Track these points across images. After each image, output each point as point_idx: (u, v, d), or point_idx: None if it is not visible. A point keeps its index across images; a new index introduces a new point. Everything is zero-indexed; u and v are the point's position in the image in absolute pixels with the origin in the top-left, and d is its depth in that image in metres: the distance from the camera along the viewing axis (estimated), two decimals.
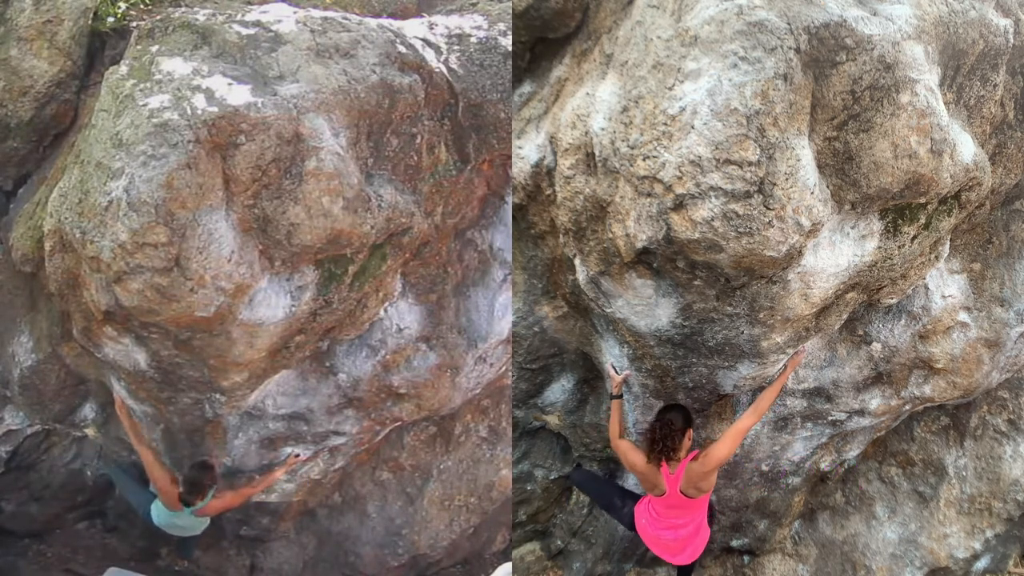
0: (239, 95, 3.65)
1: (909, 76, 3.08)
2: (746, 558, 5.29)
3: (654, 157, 3.03)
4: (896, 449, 5.39)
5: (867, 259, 3.50)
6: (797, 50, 2.91)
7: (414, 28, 4.60)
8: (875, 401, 4.51)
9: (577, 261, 3.75)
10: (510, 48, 4.27)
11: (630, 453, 3.96)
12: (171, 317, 3.72)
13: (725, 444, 3.77)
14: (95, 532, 5.65)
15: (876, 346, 4.31)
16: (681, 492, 3.85)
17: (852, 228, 3.41)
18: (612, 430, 4.09)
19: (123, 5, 4.61)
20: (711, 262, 3.16)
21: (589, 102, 3.40)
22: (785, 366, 3.95)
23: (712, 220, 3.01)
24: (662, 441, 3.78)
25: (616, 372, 4.09)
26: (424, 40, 4.49)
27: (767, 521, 5.14)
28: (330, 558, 5.66)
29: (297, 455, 4.88)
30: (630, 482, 4.90)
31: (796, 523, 5.38)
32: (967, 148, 3.45)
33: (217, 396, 4.35)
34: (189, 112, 3.53)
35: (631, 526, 4.25)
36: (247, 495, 4.76)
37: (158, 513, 4.77)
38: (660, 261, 3.32)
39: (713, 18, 2.92)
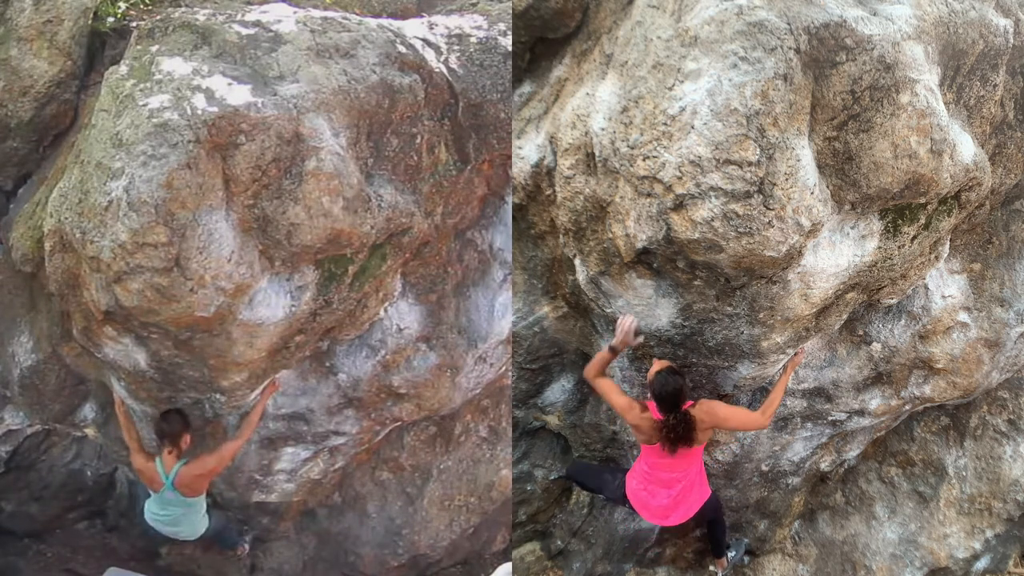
0: (239, 95, 3.65)
1: (909, 76, 3.08)
2: (746, 558, 5.29)
3: (654, 157, 3.03)
4: (896, 449, 5.39)
5: (867, 259, 3.50)
6: (797, 50, 2.91)
7: (414, 28, 4.60)
8: (875, 401, 4.51)
9: (577, 261, 3.75)
10: (510, 48, 4.27)
11: (615, 394, 3.84)
12: (171, 317, 3.72)
13: (733, 415, 3.80)
14: (95, 532, 5.64)
15: (876, 346, 4.31)
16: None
17: (852, 228, 3.41)
18: (590, 366, 3.89)
19: (123, 5, 4.61)
20: (711, 262, 3.16)
21: (589, 102, 3.40)
22: (785, 367, 3.95)
23: (712, 220, 3.01)
24: (665, 398, 3.64)
25: (631, 328, 3.68)
26: (424, 40, 4.49)
27: (767, 521, 5.14)
28: (330, 558, 5.66)
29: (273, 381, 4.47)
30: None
31: (796, 523, 5.39)
32: (967, 148, 3.45)
33: (217, 396, 4.35)
34: (189, 112, 3.53)
35: (624, 497, 4.15)
36: (232, 451, 4.38)
37: (155, 509, 4.56)
38: (660, 261, 3.32)
39: (713, 18, 2.92)
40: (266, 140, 3.64)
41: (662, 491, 3.98)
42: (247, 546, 5.44)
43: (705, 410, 3.74)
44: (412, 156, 4.33)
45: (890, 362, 4.37)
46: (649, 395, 3.79)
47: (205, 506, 4.70)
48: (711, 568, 5.06)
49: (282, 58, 3.93)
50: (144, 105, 3.56)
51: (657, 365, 3.73)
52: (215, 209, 3.62)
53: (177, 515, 4.57)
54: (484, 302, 5.02)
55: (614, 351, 3.78)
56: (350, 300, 4.33)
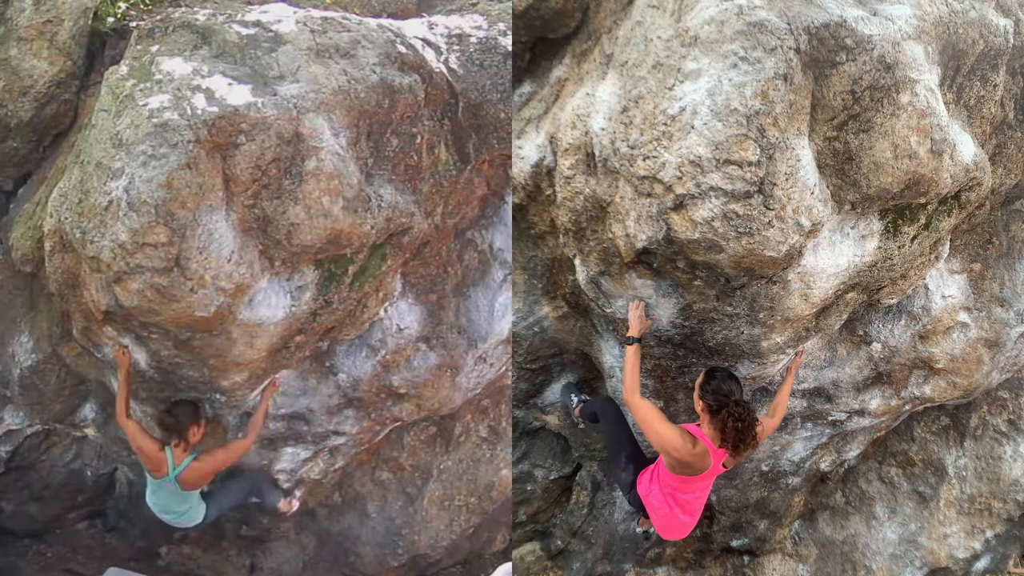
0: (239, 95, 3.65)
1: (909, 76, 3.08)
2: (746, 558, 5.30)
3: (654, 157, 3.03)
4: (896, 449, 5.39)
5: (867, 259, 3.50)
6: (797, 50, 2.91)
7: (414, 28, 4.60)
8: (875, 401, 4.51)
9: (577, 261, 3.75)
10: (510, 48, 4.27)
11: (659, 423, 3.31)
12: (171, 317, 3.72)
13: (767, 428, 3.69)
14: (95, 532, 5.65)
15: (876, 346, 4.31)
16: (722, 465, 3.53)
17: (852, 228, 3.41)
18: (628, 383, 3.44)
19: (123, 5, 4.61)
20: (711, 262, 3.16)
21: (589, 102, 3.40)
22: (788, 369, 3.95)
23: (712, 220, 3.01)
24: (746, 431, 3.26)
25: (642, 311, 3.50)
26: (424, 40, 4.49)
27: (767, 521, 5.14)
28: (330, 558, 5.66)
29: (274, 381, 4.44)
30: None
31: (796, 523, 5.39)
32: (967, 148, 3.45)
33: (217, 396, 4.35)
34: (189, 112, 3.53)
35: (631, 496, 3.92)
36: (240, 450, 4.38)
37: (150, 492, 4.49)
38: (660, 261, 3.32)
39: (713, 18, 2.92)
40: (266, 140, 3.64)
41: (684, 515, 3.75)
42: (295, 501, 5.14)
43: (763, 430, 3.48)
44: (412, 156, 4.33)
45: (890, 362, 4.37)
46: (710, 413, 3.36)
47: (199, 495, 4.59)
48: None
49: (282, 58, 3.93)
50: (144, 105, 3.56)
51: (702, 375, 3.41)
52: (215, 209, 3.62)
53: (170, 504, 4.51)
54: (484, 302, 5.02)
55: (634, 341, 3.49)
56: (350, 300, 4.33)
